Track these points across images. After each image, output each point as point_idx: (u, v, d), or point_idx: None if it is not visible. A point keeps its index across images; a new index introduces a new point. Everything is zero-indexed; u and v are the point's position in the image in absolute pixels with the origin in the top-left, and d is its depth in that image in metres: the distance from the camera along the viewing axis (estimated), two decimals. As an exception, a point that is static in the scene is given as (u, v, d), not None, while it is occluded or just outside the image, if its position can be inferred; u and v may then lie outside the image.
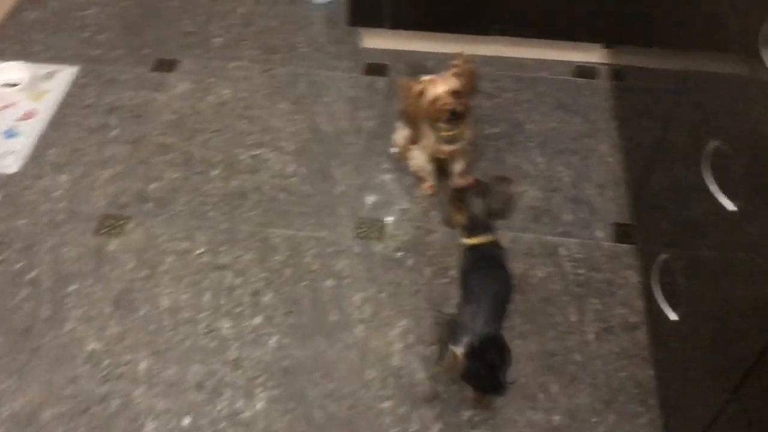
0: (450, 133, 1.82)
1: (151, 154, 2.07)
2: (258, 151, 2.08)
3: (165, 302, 1.74)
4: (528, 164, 2.06)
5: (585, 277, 1.80)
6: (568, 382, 1.61)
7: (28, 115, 2.16)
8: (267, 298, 1.75)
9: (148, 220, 1.91)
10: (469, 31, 2.29)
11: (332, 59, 2.37)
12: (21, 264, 1.81)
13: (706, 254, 1.32)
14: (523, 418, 1.55)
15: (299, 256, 1.83)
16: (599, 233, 1.90)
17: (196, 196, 1.97)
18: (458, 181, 1.63)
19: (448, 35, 2.31)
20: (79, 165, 2.05)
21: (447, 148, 1.87)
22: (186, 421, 1.55)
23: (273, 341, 1.67)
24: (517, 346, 1.66)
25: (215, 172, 2.03)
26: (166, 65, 2.34)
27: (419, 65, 2.24)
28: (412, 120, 1.86)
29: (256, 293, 1.76)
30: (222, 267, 1.81)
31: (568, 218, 1.93)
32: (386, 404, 1.57)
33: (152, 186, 1.99)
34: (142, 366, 1.63)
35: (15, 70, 2.24)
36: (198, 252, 1.84)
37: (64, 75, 2.29)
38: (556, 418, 1.55)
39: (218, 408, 1.56)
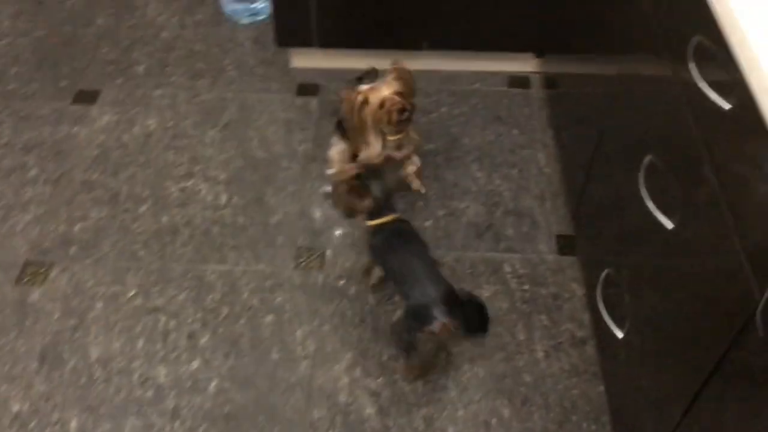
0: (398, 136, 1.78)
1: (75, 194, 1.97)
2: (188, 183, 2.00)
3: (95, 352, 1.64)
4: (467, 180, 2.02)
5: (531, 293, 1.78)
6: (520, 405, 1.57)
7: (-63, 159, 2.03)
8: (204, 340, 1.67)
9: (73, 264, 1.81)
10: (399, 46, 2.24)
11: (262, 81, 2.30)
12: (-65, 322, 1.69)
13: (648, 271, 1.30)
14: (477, 447, 1.51)
15: (236, 292, 1.76)
16: (542, 246, 1.88)
17: (124, 236, 1.87)
18: (349, 168, 1.59)
19: (379, 51, 2.26)
20: (-4, 209, 1.93)
21: (398, 153, 1.83)
22: (123, 480, 1.46)
23: (213, 386, 1.59)
24: (465, 372, 1.62)
25: (144, 208, 1.94)
26: (86, 97, 2.23)
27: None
28: (356, 131, 1.80)
29: (192, 335, 1.68)
30: (155, 310, 1.72)
31: (511, 233, 1.90)
32: (335, 444, 1.51)
33: (77, 227, 1.89)
34: (73, 425, 1.53)
35: None
36: (129, 295, 1.75)
37: (-24, 113, 2.16)
38: (510, 444, 1.52)
39: (157, 463, 1.48)
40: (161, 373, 1.61)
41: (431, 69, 2.33)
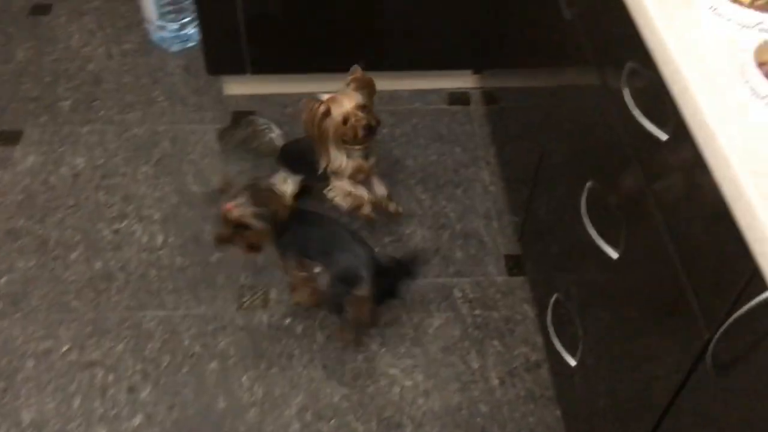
0: (363, 146, 1.73)
1: (-1, 243, 1.86)
2: (121, 224, 1.91)
3: (27, 416, 1.54)
4: (412, 203, 1.98)
5: (483, 318, 1.74)
6: (477, 438, 1.53)
7: None
8: (145, 393, 1.58)
9: (1, 321, 1.70)
10: (335, 69, 2.18)
11: (195, 111, 2.22)
12: None
13: (597, 299, 1.27)
14: (436, 486, 1.47)
15: (177, 339, 1.68)
16: (491, 268, 1.84)
17: (55, 286, 1.77)
18: (230, 206, 1.48)
19: (315, 75, 2.20)
20: None
21: (366, 163, 1.78)
22: None
23: (156, 443, 1.51)
24: (420, 407, 1.57)
25: (75, 255, 1.84)
26: (8, 138, 2.12)
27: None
28: (316, 143, 1.74)
29: (132, 389, 1.59)
30: (91, 364, 1.63)
31: (459, 256, 1.87)
32: (289, 495, 1.45)
33: (3, 280, 1.78)
34: (6, 499, 1.43)
35: None
36: (62, 350, 1.65)
37: None
38: (470, 479, 1.48)
39: None
40: (100, 432, 1.52)
41: (369, 90, 2.28)
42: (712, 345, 0.84)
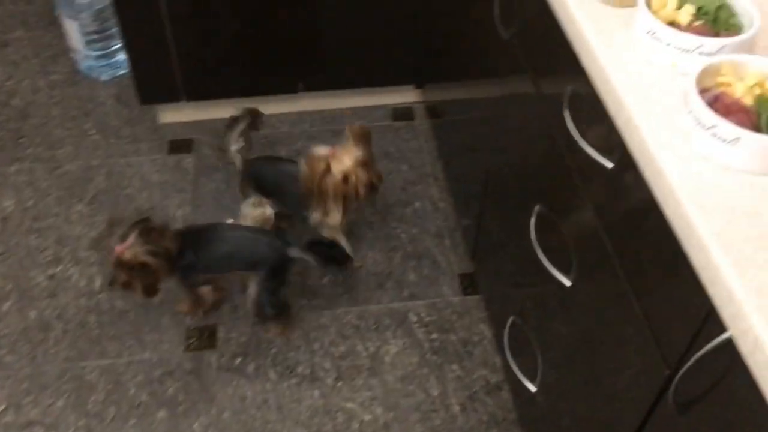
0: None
1: (-76, 298, 1.74)
2: (56, 269, 1.81)
3: (-38, 487, 1.44)
4: (362, 225, 1.93)
5: (440, 342, 1.70)
6: (441, 470, 1.49)
7: None
8: (90, 451, 1.50)
9: (-72, 384, 1.59)
10: (274, 90, 2.13)
11: (130, 143, 2.12)
12: None
13: (553, 325, 1.24)
14: None
15: (122, 389, 1.59)
16: (446, 289, 1.80)
17: (-14, 341, 1.67)
18: (121, 248, 1.43)
19: (253, 98, 2.13)
20: None
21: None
22: None
23: (104, 505, 1.43)
24: (381, 443, 1.52)
25: (7, 306, 1.73)
26: (-71, 183, 2.00)
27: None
28: (315, 198, 1.66)
29: (76, 448, 1.50)
30: (30, 424, 1.53)
31: (413, 278, 1.82)
32: None
33: (-71, 339, 1.67)
34: None
35: None
36: (-2, 411, 1.55)
37: None
38: None
39: None
40: (43, 499, 1.43)
41: (311, 110, 2.22)
42: (674, 384, 0.81)
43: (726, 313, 0.67)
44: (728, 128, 0.73)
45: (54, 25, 2.40)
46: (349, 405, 1.58)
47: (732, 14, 0.89)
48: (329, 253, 1.58)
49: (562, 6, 1.00)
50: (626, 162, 0.86)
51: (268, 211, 1.75)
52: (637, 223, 0.88)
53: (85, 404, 1.57)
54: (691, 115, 0.77)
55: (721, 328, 0.70)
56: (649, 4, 0.89)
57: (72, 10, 2.14)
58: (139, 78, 2.01)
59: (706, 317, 0.74)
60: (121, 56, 2.27)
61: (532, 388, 1.34)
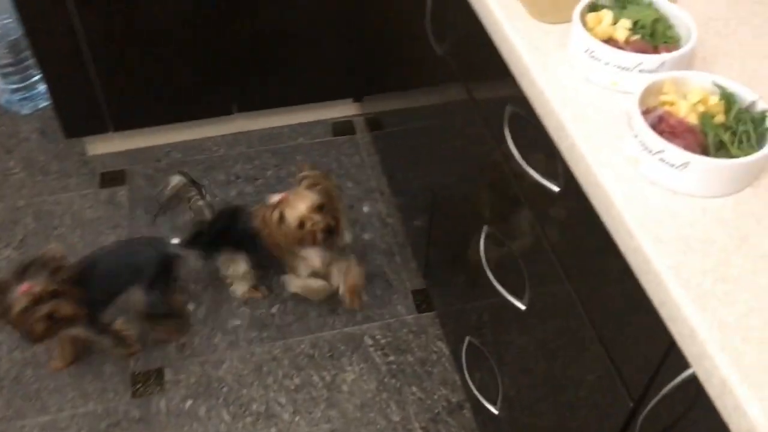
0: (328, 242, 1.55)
1: None
2: (-14, 322, 1.69)
3: None
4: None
5: (398, 365, 1.65)
6: (408, 500, 1.44)
7: None
8: None
9: None
10: (207, 114, 2.05)
11: (58, 179, 2.01)
12: None
13: (511, 348, 1.20)
14: None
15: (65, 447, 1.50)
16: (400, 308, 1.76)
17: None
18: (26, 286, 1.35)
19: (186, 123, 2.06)
20: None
21: (336, 261, 1.63)
22: None
23: None
24: (345, 478, 1.47)
25: (-66, 366, 1.62)
26: None
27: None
28: (280, 251, 1.56)
29: None
30: (-33, 494, 1.43)
31: (366, 299, 1.77)
32: None
33: None
34: None
35: None
36: (-70, 483, 1.45)
37: None
38: None
39: None
40: None
41: (248, 130, 2.15)
42: (640, 420, 0.77)
43: (690, 352, 0.64)
44: (676, 153, 0.70)
45: (-33, 58, 2.26)
46: (309, 440, 1.53)
47: (669, 26, 0.86)
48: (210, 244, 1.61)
49: (494, 23, 0.95)
50: (573, 187, 0.82)
51: (242, 267, 1.67)
52: (590, 251, 0.84)
53: (27, 467, 1.47)
54: (637, 139, 0.74)
55: (685, 363, 0.67)
56: (584, 21, 0.86)
57: (-16, 42, 2.03)
58: (62, 110, 1.91)
59: (668, 351, 0.71)
60: (42, 87, 2.15)
61: (494, 410, 1.31)
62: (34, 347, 1.64)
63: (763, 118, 0.74)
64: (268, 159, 2.09)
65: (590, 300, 0.86)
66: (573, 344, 0.93)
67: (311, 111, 2.16)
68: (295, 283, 1.65)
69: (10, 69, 2.07)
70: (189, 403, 1.57)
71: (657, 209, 0.71)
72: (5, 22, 2.06)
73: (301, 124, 2.18)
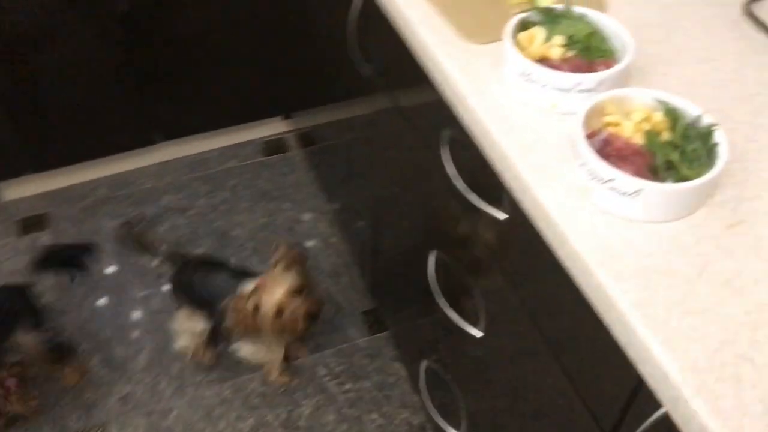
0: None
1: None
2: None
3: None
4: (250, 278, 1.78)
5: (355, 392, 1.59)
6: None
7: None
8: None
9: None
10: (130, 146, 1.95)
11: (-28, 230, 1.88)
12: None
13: (468, 370, 1.16)
14: None
15: None
16: (352, 331, 1.70)
17: None
18: None
19: (108, 158, 1.95)
20: None
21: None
22: None
23: None
24: None
25: None
26: None
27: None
28: (255, 337, 1.45)
29: None
30: None
31: (313, 327, 1.70)
32: None
33: None
34: None
35: None
36: None
37: None
38: None
39: None
40: None
41: (175, 158, 2.05)
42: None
43: (664, 396, 0.60)
44: (628, 181, 0.66)
45: None
46: (270, 484, 1.46)
47: (603, 39, 0.82)
48: (65, 261, 1.54)
49: (421, 46, 0.90)
50: (521, 216, 0.78)
51: (200, 326, 1.53)
52: (546, 281, 0.80)
53: None
54: (585, 168, 0.70)
55: (656, 402, 0.63)
56: (516, 42, 0.81)
57: None
58: (-32, 157, 1.78)
59: (637, 389, 0.67)
60: (-54, 132, 2.00)
61: (459, 436, 1.26)
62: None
63: (709, 133, 0.71)
64: (198, 187, 2.00)
65: (551, 330, 0.82)
66: (536, 375, 0.89)
67: (240, 132, 2.08)
68: (248, 349, 1.53)
69: None
70: (138, 459, 1.48)
71: (613, 241, 0.68)
72: None
73: (230, 146, 2.09)
